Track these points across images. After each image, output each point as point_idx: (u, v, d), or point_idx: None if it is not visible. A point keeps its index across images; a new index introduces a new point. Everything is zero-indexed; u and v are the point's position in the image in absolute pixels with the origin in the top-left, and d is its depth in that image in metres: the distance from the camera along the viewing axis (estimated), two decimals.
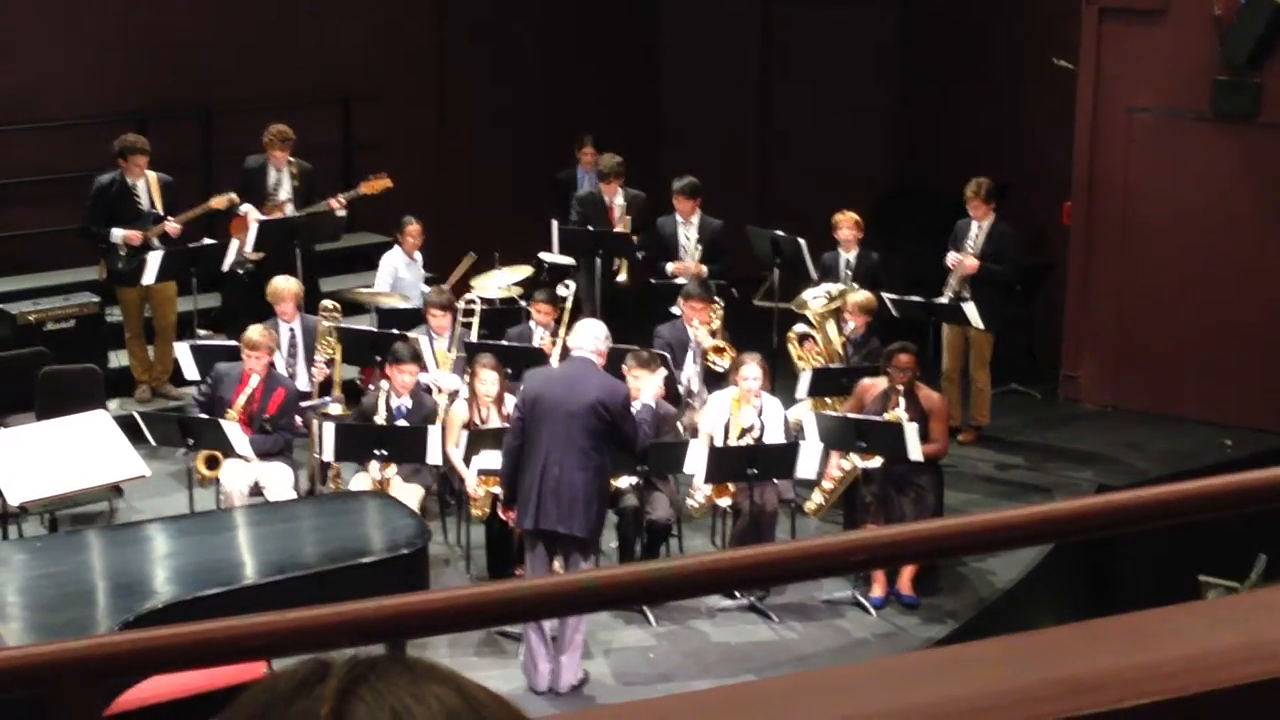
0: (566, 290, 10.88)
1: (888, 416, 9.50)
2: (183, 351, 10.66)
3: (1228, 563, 8.26)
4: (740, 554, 2.69)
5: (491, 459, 9.06)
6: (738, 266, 11.95)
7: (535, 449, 8.28)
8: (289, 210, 11.80)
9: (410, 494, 9.42)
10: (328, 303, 10.98)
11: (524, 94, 14.78)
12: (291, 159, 11.86)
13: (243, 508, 8.94)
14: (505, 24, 14.76)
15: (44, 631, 6.78)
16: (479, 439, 9.38)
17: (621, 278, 11.87)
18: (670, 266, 11.73)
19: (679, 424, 9.74)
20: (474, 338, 10.70)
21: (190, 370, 10.50)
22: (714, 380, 10.47)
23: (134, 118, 12.59)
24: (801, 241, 11.49)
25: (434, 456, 9.29)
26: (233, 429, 9.22)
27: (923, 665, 2.56)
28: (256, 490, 9.43)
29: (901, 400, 9.56)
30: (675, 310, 10.93)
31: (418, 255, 11.79)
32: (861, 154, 15.04)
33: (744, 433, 9.63)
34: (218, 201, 11.62)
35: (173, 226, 11.39)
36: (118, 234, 11.31)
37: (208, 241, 11.69)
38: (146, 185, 11.43)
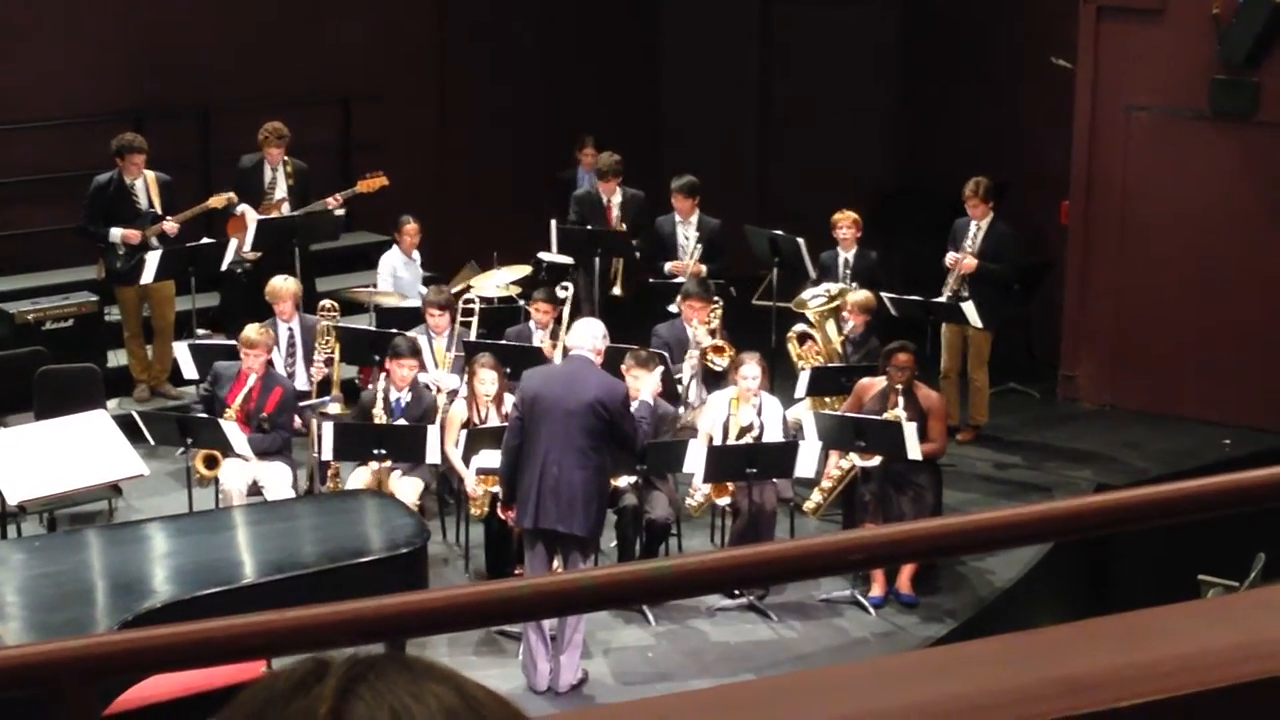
0: (565, 293, 10.89)
1: (887, 416, 9.50)
2: (181, 351, 10.67)
3: (1227, 562, 8.25)
4: (739, 553, 2.70)
5: (490, 458, 9.05)
6: (736, 266, 11.95)
7: (534, 448, 8.28)
8: (285, 209, 11.80)
9: (409, 487, 9.44)
10: (326, 302, 11.00)
11: (524, 94, 14.78)
12: (287, 158, 11.86)
13: (242, 507, 8.94)
14: (505, 24, 14.76)
15: (43, 631, 6.77)
16: (478, 438, 9.38)
17: (616, 291, 11.83)
18: (669, 266, 11.73)
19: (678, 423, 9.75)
20: (473, 337, 10.71)
21: (189, 370, 10.51)
22: (713, 379, 10.48)
23: (132, 117, 12.58)
24: (800, 241, 11.49)
25: (433, 456, 9.30)
26: (231, 428, 9.23)
27: (922, 664, 2.56)
28: (255, 489, 9.43)
29: (900, 399, 9.56)
30: (674, 309, 10.94)
31: (416, 254, 11.80)
32: (861, 154, 15.04)
33: (743, 432, 9.63)
34: (216, 201, 11.62)
35: (171, 226, 11.38)
36: (116, 233, 11.31)
37: (206, 241, 11.68)
38: (145, 184, 11.43)
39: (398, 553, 7.51)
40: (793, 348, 10.89)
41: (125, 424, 9.27)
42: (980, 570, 9.89)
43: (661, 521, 9.41)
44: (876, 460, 9.48)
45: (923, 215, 13.35)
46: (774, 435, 9.66)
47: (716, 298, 10.89)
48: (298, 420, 9.87)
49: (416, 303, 11.06)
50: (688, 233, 11.81)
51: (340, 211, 11.97)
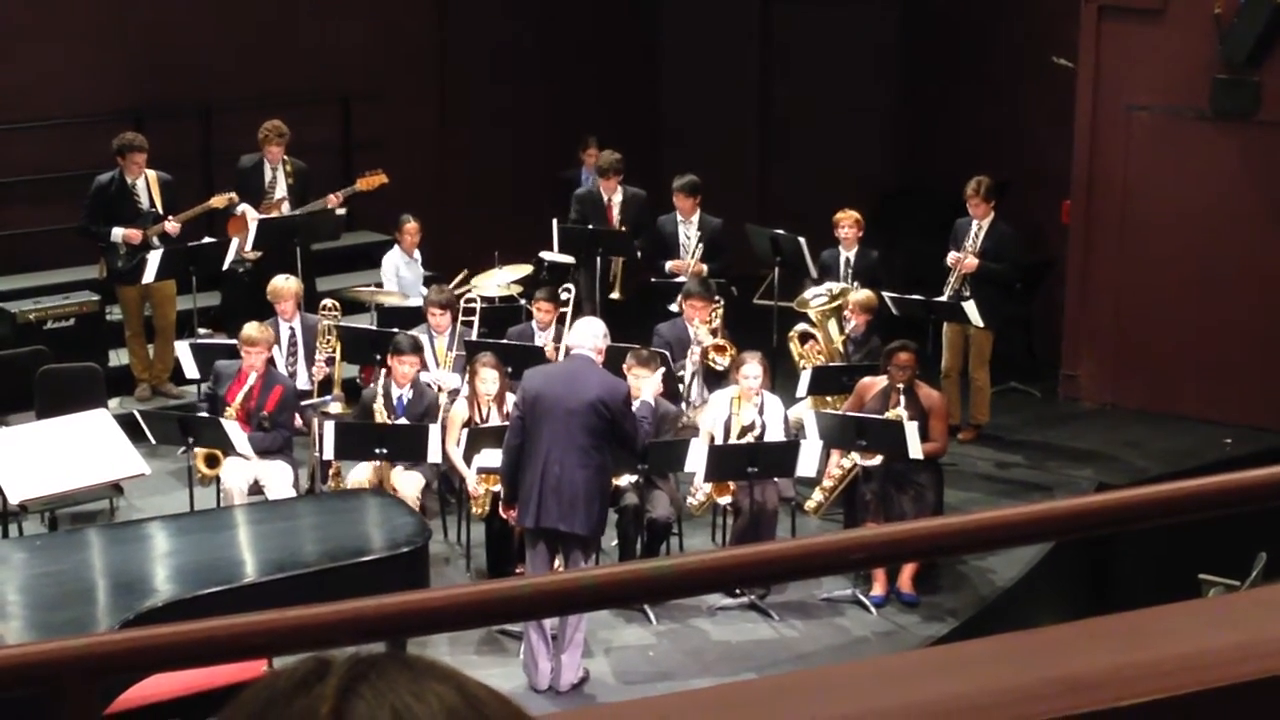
0: (567, 295, 10.89)
1: (888, 415, 9.50)
2: (183, 350, 10.68)
3: (1228, 561, 8.25)
4: (740, 552, 2.70)
5: (492, 457, 9.06)
6: (738, 265, 11.95)
7: (536, 447, 8.28)
8: (285, 209, 11.80)
9: (411, 481, 9.45)
10: (328, 301, 11.00)
11: (524, 94, 14.77)
12: (286, 157, 11.86)
13: (243, 506, 8.94)
14: (505, 24, 14.75)
15: (44, 630, 6.77)
16: (479, 437, 9.38)
17: (615, 295, 11.82)
18: (670, 265, 11.73)
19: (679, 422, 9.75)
20: (474, 336, 10.71)
21: (190, 369, 10.52)
22: (714, 379, 10.48)
23: (132, 116, 12.58)
24: (801, 240, 11.49)
25: (434, 455, 9.31)
26: (232, 427, 9.23)
27: (923, 663, 2.57)
28: (256, 488, 9.43)
29: (901, 398, 9.56)
30: (675, 309, 10.94)
31: (417, 254, 11.81)
32: (861, 153, 15.04)
33: (744, 431, 9.63)
34: (217, 200, 11.62)
35: (172, 225, 11.39)
36: (117, 233, 11.31)
37: (207, 240, 11.69)
38: (146, 184, 11.43)
39: (399, 552, 7.51)
40: (794, 347, 10.89)
41: (126, 423, 9.27)
42: (981, 569, 9.89)
43: (663, 521, 9.41)
44: (878, 459, 9.48)
45: (923, 215, 13.35)
46: (775, 434, 9.66)
47: (718, 297, 10.89)
48: (299, 419, 9.88)
49: (418, 302, 11.07)
50: (689, 232, 11.81)
51: (341, 210, 11.97)
